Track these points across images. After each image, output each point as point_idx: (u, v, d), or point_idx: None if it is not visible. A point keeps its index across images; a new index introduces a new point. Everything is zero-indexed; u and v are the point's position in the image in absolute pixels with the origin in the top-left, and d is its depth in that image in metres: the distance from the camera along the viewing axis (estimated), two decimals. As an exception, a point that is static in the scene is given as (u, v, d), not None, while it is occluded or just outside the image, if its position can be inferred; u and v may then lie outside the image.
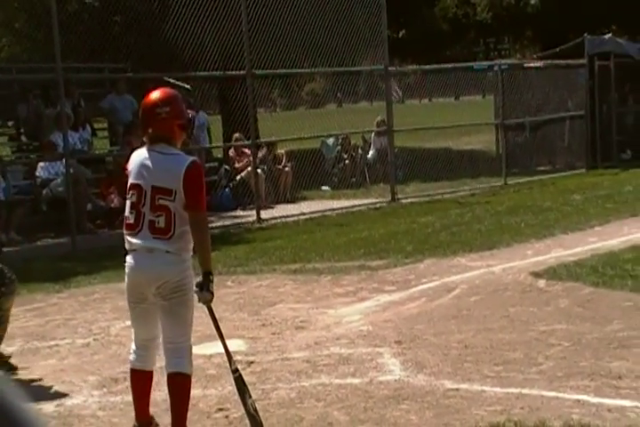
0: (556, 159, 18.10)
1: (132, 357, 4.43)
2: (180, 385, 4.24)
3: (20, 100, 13.96)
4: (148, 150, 4.30)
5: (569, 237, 9.65)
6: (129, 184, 4.29)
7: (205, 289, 4.16)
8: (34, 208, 12.06)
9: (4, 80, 14.71)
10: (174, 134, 4.30)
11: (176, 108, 4.29)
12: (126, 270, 4.28)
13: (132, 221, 4.22)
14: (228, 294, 7.67)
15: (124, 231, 4.29)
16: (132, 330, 4.46)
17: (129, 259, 4.26)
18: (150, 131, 4.29)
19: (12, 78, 14.49)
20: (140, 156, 4.31)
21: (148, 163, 4.25)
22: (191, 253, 4.29)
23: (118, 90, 14.11)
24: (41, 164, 12.29)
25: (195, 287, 4.18)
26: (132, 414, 4.73)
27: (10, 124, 15.42)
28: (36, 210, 12.09)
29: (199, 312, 7.00)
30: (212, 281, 4.21)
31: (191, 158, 4.33)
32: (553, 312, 6.47)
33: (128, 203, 4.28)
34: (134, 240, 4.20)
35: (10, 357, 5.78)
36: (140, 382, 4.40)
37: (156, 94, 4.32)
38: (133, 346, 4.44)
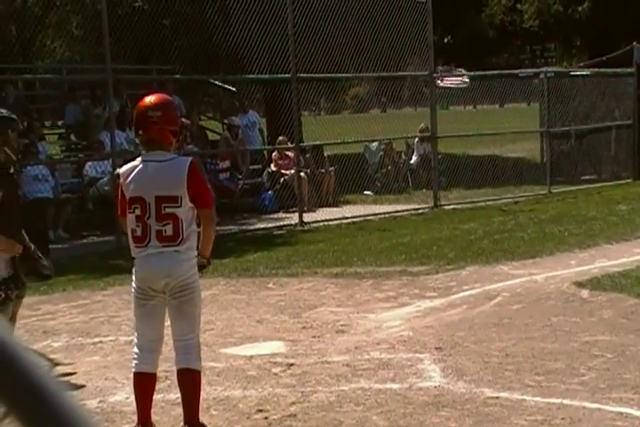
0: (601, 168, 17.87)
1: (136, 361, 4.43)
2: (189, 380, 4.33)
3: (70, 100, 14.21)
4: (143, 162, 4.33)
5: (613, 248, 9.53)
6: (128, 198, 4.29)
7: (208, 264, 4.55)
8: (81, 206, 12.27)
9: (54, 80, 15.00)
10: (166, 139, 4.34)
11: (168, 114, 4.35)
12: (135, 269, 4.35)
13: (139, 234, 4.26)
14: (270, 297, 7.72)
15: (133, 244, 4.33)
16: (136, 334, 4.46)
17: (138, 262, 4.33)
18: (141, 133, 4.38)
19: (63, 79, 14.75)
20: (134, 168, 4.33)
21: (147, 173, 4.28)
22: (196, 253, 4.40)
23: (166, 91, 14.28)
24: (89, 163, 12.50)
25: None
26: (173, 412, 4.80)
27: (60, 123, 15.70)
28: (83, 208, 12.30)
29: (240, 313, 7.10)
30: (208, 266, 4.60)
31: (189, 159, 4.44)
32: (596, 323, 6.40)
33: (132, 217, 4.28)
34: (144, 252, 4.28)
35: None
36: (146, 385, 4.42)
37: (149, 98, 4.39)
38: (136, 350, 4.43)
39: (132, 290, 4.42)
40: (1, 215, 4.82)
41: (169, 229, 4.21)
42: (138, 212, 4.25)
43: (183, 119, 4.41)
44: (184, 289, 4.26)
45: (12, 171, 5.08)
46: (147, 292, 4.31)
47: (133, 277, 4.40)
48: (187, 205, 4.24)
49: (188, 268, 4.29)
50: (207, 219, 4.41)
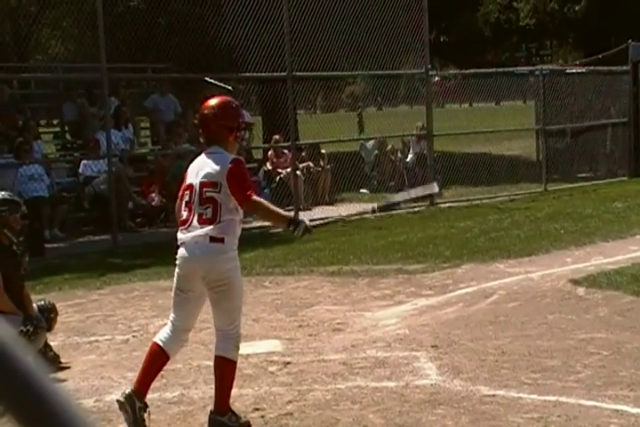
0: (597, 166, 17.89)
1: (161, 334, 4.58)
2: (221, 367, 4.51)
3: (66, 99, 14.18)
4: (200, 155, 4.69)
5: (609, 245, 9.54)
6: (183, 187, 4.62)
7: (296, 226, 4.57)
8: (77, 205, 12.25)
9: (50, 79, 14.96)
10: (221, 136, 4.59)
11: (223, 112, 4.61)
12: (177, 261, 4.56)
13: (184, 217, 4.53)
14: (266, 295, 7.72)
15: (179, 228, 4.59)
16: (172, 313, 4.61)
17: (179, 251, 4.53)
18: (201, 132, 4.70)
19: (58, 77, 14.72)
20: (195, 161, 4.70)
21: (198, 163, 4.63)
22: (236, 245, 4.55)
23: (162, 90, 14.27)
24: (84, 162, 12.48)
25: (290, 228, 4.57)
26: (170, 411, 4.80)
27: (55, 122, 15.67)
28: (79, 207, 12.28)
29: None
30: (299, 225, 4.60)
31: (234, 156, 4.64)
32: (592, 320, 6.41)
33: (182, 203, 4.58)
34: (184, 235, 4.50)
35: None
36: (157, 358, 4.54)
37: (209, 100, 4.73)
38: (167, 328, 4.58)
39: (175, 277, 4.60)
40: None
41: (209, 213, 4.46)
42: (187, 197, 4.54)
43: (248, 119, 4.81)
44: (221, 282, 4.44)
45: (13, 248, 5.33)
46: (184, 285, 4.50)
47: (176, 266, 4.57)
48: (226, 193, 4.46)
49: (224, 260, 4.47)
50: (254, 210, 4.68)
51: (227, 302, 4.48)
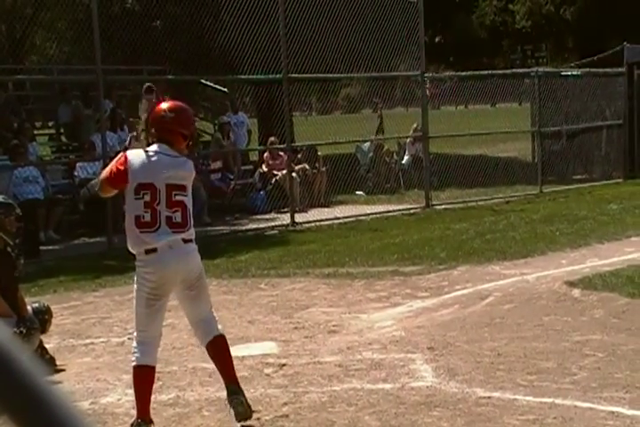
0: (592, 168, 17.92)
1: (137, 355, 4.51)
2: (225, 344, 4.64)
3: (61, 101, 14.16)
4: (156, 153, 4.53)
5: (605, 247, 9.56)
6: (137, 183, 4.45)
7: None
8: (72, 208, 12.23)
9: (45, 81, 14.94)
10: (176, 141, 4.55)
11: (181, 117, 4.59)
12: (149, 270, 4.41)
13: (148, 219, 4.41)
14: (262, 297, 7.71)
15: (137, 230, 4.43)
16: (140, 329, 4.51)
17: (152, 258, 4.40)
18: (154, 132, 4.61)
19: (54, 79, 14.70)
20: (141, 156, 4.53)
21: (160, 163, 4.49)
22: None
23: (156, 92, 14.24)
24: (79, 164, 12.46)
25: None
26: (165, 413, 4.79)
27: (50, 124, 15.65)
28: (74, 209, 12.26)
29: (232, 314, 7.08)
30: None
31: (190, 161, 4.69)
32: (588, 322, 6.42)
33: (139, 203, 4.43)
34: (152, 238, 4.38)
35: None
36: (147, 378, 4.51)
37: (166, 103, 4.74)
38: (136, 344, 4.52)
39: (143, 289, 4.45)
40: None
41: (178, 217, 4.44)
42: (147, 198, 4.43)
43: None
44: (199, 278, 4.55)
45: (8, 250, 5.33)
46: (162, 291, 4.44)
47: (145, 276, 4.43)
48: (190, 196, 4.54)
49: (197, 256, 4.55)
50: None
51: (204, 290, 4.61)
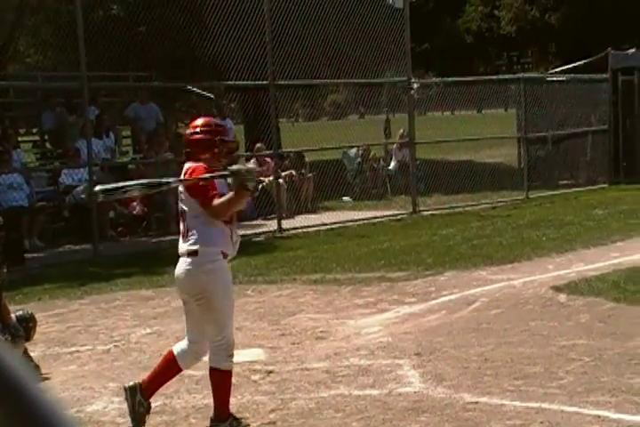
0: (578, 174, 18.01)
1: (178, 344, 4.70)
2: (217, 378, 4.54)
3: (45, 107, 14.09)
4: None
5: (590, 252, 9.59)
6: None
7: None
8: (57, 215, 12.16)
9: (29, 88, 14.87)
10: (196, 149, 4.60)
11: (205, 132, 4.61)
12: None
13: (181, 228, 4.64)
14: (249, 303, 7.69)
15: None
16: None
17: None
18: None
19: (38, 86, 14.64)
20: None
21: None
22: (217, 255, 4.49)
23: (141, 99, 14.22)
24: (64, 170, 12.40)
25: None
26: (152, 421, 4.76)
27: (34, 130, 15.57)
28: (59, 216, 12.20)
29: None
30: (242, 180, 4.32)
31: (188, 165, 4.64)
32: (574, 327, 6.43)
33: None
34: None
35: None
36: (168, 367, 4.65)
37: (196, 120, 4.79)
38: (185, 339, 4.70)
39: None
40: None
41: (182, 226, 4.55)
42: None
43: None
44: (199, 296, 4.48)
45: None
46: (180, 295, 4.68)
47: None
48: (189, 200, 4.49)
49: (199, 273, 4.45)
50: (215, 215, 4.43)
51: (210, 314, 4.49)
